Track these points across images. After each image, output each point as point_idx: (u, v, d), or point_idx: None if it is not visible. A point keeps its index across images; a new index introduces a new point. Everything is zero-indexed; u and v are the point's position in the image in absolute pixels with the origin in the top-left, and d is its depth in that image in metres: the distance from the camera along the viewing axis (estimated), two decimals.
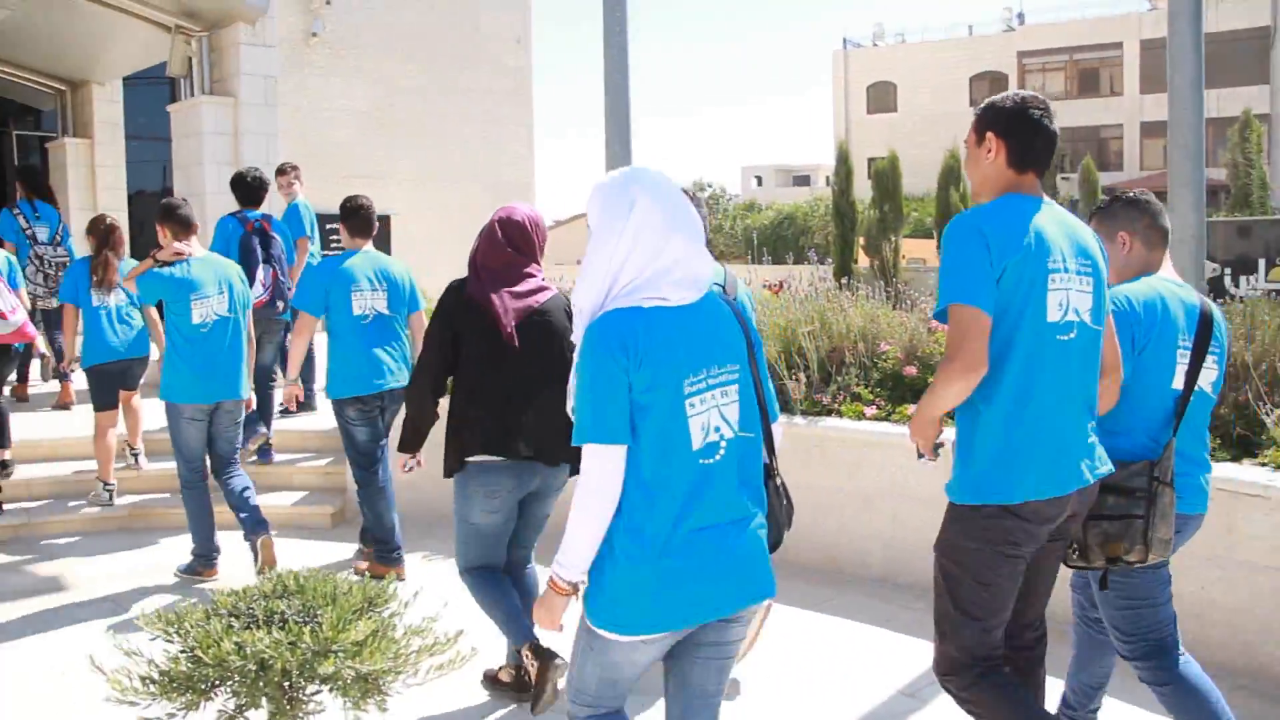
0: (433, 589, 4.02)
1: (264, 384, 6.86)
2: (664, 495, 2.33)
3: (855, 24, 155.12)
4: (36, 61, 12.68)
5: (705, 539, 2.36)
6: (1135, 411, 3.12)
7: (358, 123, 16.98)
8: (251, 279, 6.79)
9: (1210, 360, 3.22)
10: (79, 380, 7.70)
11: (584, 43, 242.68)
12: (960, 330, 2.68)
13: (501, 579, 3.93)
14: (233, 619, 2.71)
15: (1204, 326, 3.20)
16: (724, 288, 3.76)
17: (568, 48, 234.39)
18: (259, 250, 7.04)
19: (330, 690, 2.64)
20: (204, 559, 5.59)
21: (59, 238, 8.96)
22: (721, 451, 2.39)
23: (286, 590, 2.80)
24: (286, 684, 2.61)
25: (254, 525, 5.46)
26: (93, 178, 13.06)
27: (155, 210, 5.72)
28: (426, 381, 3.91)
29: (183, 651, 2.66)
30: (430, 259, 17.55)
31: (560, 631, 2.52)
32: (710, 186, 42.32)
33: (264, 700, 2.63)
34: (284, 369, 6.55)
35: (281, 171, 8.37)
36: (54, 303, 8.42)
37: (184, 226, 5.57)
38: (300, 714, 2.67)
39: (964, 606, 2.86)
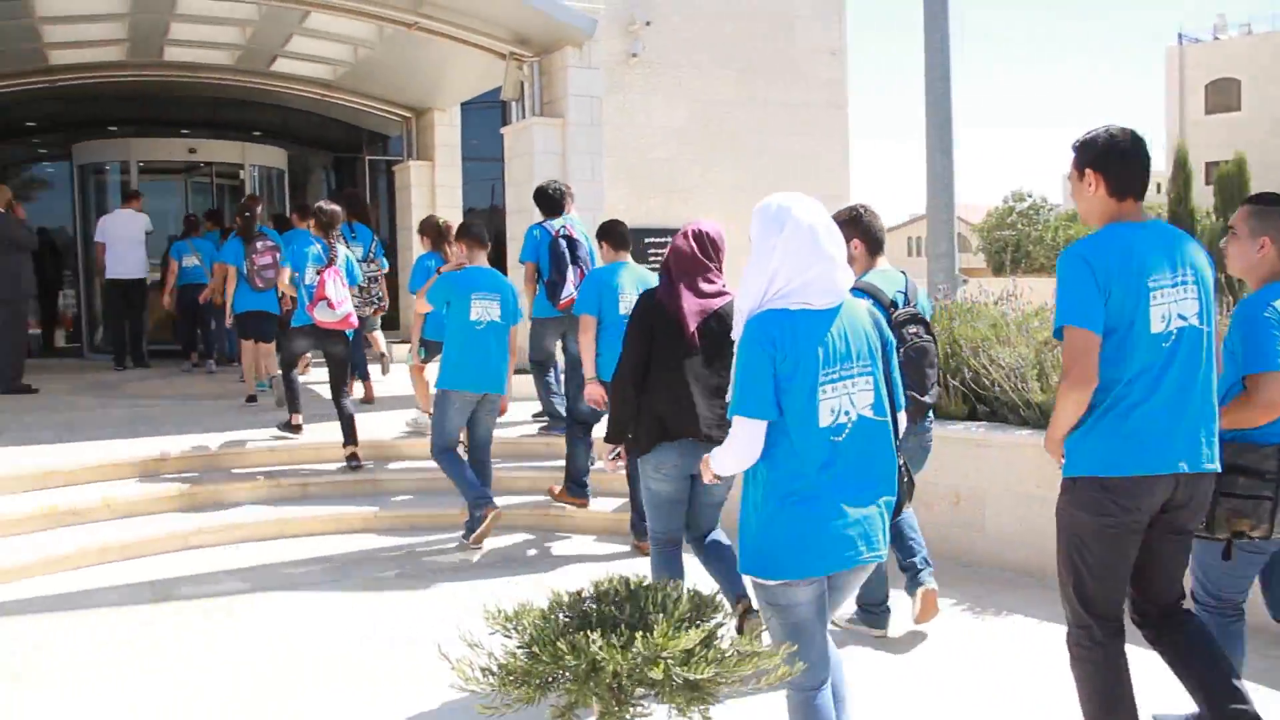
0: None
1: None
2: (805, 461, 2.85)
3: (1192, 17, 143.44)
4: (386, 92, 13.80)
5: (835, 500, 2.86)
6: None
7: (676, 139, 17.29)
8: (563, 280, 7.49)
9: None
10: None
11: (901, 54, 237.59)
12: (1073, 350, 3.10)
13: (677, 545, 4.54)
14: (567, 619, 2.82)
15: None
16: (905, 294, 4.55)
17: (884, 58, 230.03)
18: (567, 253, 7.57)
19: (657, 695, 2.70)
20: (481, 504, 6.38)
21: (372, 254, 9.82)
22: (848, 431, 2.88)
23: (618, 596, 2.89)
24: (616, 686, 2.68)
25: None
26: (433, 197, 14.07)
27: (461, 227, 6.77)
28: (628, 376, 4.41)
29: (520, 647, 2.79)
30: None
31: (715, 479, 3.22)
32: (1030, 197, 40.33)
33: (594, 700, 2.71)
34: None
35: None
36: (367, 311, 9.40)
37: (479, 242, 6.59)
38: (628, 716, 2.73)
39: (1069, 568, 3.26)
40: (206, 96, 14.89)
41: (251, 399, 9.81)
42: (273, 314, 9.89)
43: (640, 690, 2.72)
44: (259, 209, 10.43)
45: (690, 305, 4.34)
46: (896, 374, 3.14)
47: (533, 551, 6.56)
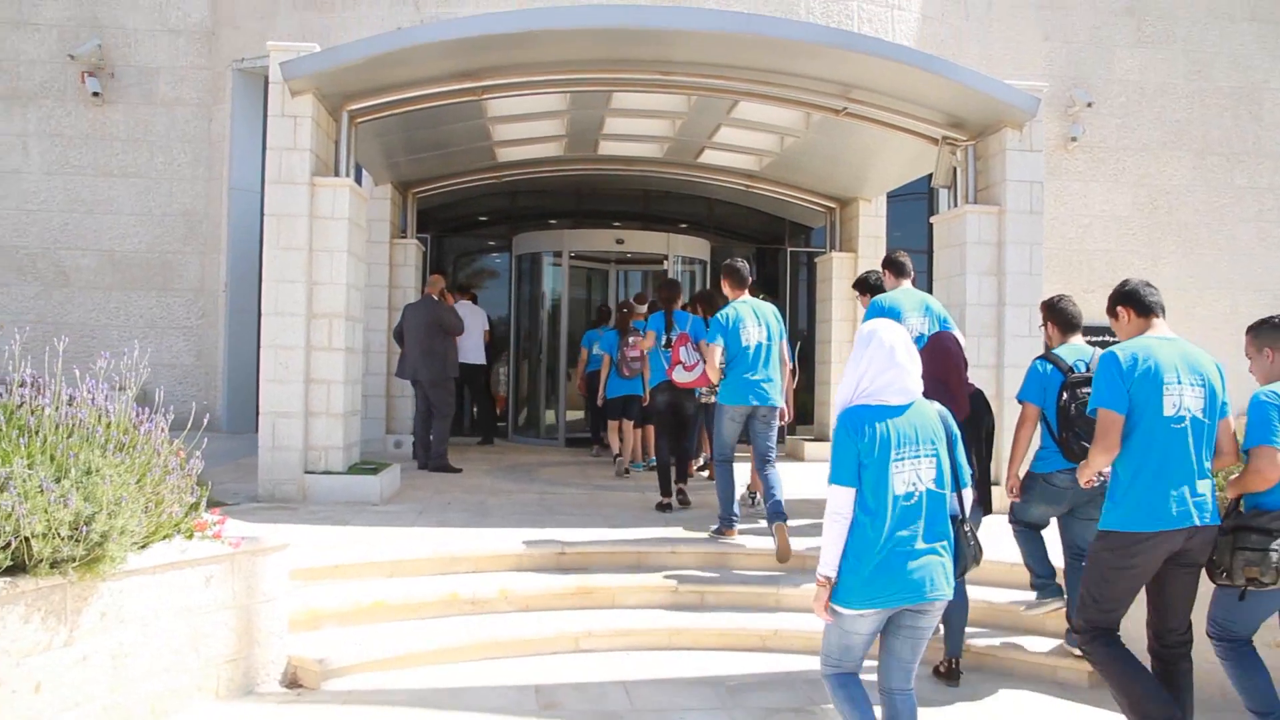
0: None
1: None
2: (878, 520, 3.72)
3: None
4: (811, 182, 13.52)
5: (903, 552, 3.73)
6: None
7: (1117, 228, 15.83)
8: None
9: None
10: None
11: None
12: (1102, 425, 4.41)
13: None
14: None
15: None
16: (1085, 363, 5.61)
17: None
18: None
19: None
20: (727, 522, 7.50)
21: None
22: (916, 498, 3.76)
23: None
24: None
25: (774, 514, 7.11)
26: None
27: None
28: None
29: None
30: None
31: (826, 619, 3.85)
32: None
33: None
34: None
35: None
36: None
37: (740, 283, 7.80)
38: None
39: (1091, 592, 4.52)
40: (636, 189, 15.38)
41: (625, 472, 11.06)
42: (638, 396, 10.87)
43: None
44: (636, 307, 11.53)
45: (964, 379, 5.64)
46: (961, 458, 4.14)
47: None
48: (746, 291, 7.83)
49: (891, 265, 7.79)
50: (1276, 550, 4.28)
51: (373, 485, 8.85)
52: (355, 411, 9.68)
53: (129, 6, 14.32)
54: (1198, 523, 4.30)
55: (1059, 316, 5.98)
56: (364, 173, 11.96)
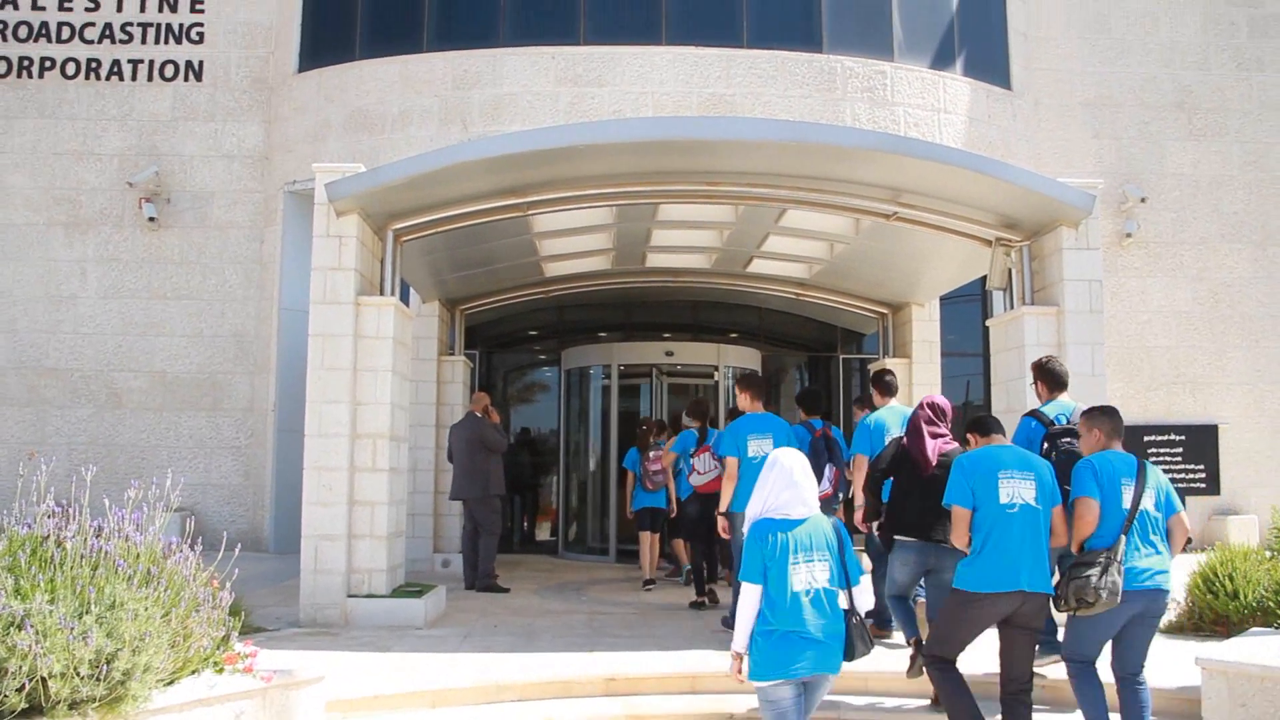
0: None
1: None
2: (779, 610, 4.56)
3: None
4: (862, 289, 13.34)
5: (800, 635, 4.55)
6: (1103, 522, 5.52)
7: (1178, 324, 15.44)
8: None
9: (1149, 493, 5.60)
10: None
11: None
12: (955, 516, 5.69)
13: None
14: None
15: (1141, 470, 5.62)
16: (1066, 417, 6.73)
17: None
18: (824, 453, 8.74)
19: None
20: None
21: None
22: (811, 593, 4.58)
23: None
24: None
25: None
26: (910, 396, 13.26)
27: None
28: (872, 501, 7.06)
29: None
30: (1261, 471, 15.14)
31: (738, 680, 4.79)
32: None
33: None
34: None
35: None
36: None
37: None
38: None
39: (939, 631, 5.82)
40: (684, 300, 15.29)
41: (649, 583, 11.12)
42: (662, 509, 11.29)
43: None
44: (654, 428, 11.91)
45: (929, 451, 6.58)
46: (851, 560, 4.78)
47: None
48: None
49: (878, 384, 8.49)
50: (1093, 575, 5.36)
51: (417, 609, 8.59)
52: (400, 533, 9.48)
53: (186, 134, 14.66)
54: (1026, 589, 5.45)
55: (1047, 375, 7.03)
56: (411, 290, 11.97)
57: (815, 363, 15.90)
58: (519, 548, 14.20)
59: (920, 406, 6.76)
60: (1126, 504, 5.51)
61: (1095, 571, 5.35)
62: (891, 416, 8.04)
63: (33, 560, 4.44)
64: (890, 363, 13.18)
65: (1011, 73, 14.86)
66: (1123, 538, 5.45)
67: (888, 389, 8.42)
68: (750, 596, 4.58)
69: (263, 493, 14.12)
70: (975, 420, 6.19)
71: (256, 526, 14.01)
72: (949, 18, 14.22)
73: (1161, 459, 14.81)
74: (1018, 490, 5.51)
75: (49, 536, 4.67)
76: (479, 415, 10.96)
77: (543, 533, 15.66)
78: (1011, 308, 9.73)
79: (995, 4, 14.86)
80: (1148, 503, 5.56)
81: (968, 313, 15.02)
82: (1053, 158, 15.02)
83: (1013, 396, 9.30)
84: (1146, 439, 14.83)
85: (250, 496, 14.28)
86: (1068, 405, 6.58)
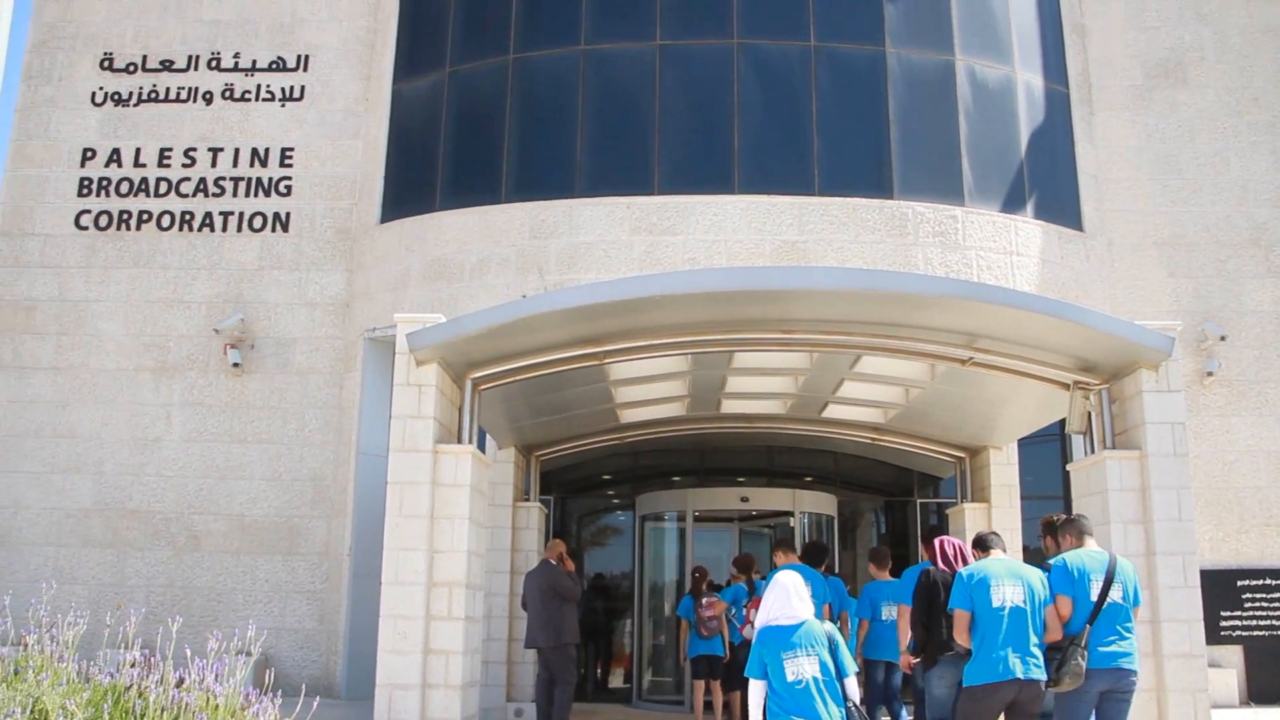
0: None
1: None
2: (782, 697, 5.63)
3: None
4: (938, 433, 13.22)
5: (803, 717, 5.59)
6: (1075, 613, 6.58)
7: (1268, 464, 14.99)
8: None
9: (1117, 587, 6.67)
10: None
11: None
12: (957, 618, 6.72)
13: None
14: None
15: (1111, 566, 6.70)
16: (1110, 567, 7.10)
17: None
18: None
19: None
20: None
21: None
22: (804, 684, 5.62)
23: None
24: None
25: None
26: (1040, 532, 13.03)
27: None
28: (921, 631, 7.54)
29: None
30: None
31: None
32: None
33: None
34: None
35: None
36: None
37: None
38: None
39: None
40: (759, 445, 15.25)
41: None
42: (719, 656, 11.44)
43: None
44: (705, 574, 12.19)
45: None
46: (841, 656, 5.81)
47: None
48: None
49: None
50: (1056, 660, 6.48)
51: None
52: (474, 683, 9.38)
53: (271, 283, 15.15)
54: (1020, 678, 6.41)
55: (1053, 531, 7.73)
56: (487, 437, 12.09)
57: (891, 507, 15.68)
58: (592, 695, 13.95)
59: (943, 544, 7.75)
60: (1094, 597, 6.63)
61: (1060, 656, 6.50)
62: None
63: (115, 711, 4.47)
64: (969, 507, 12.97)
65: (1083, 214, 14.89)
66: (1088, 626, 6.57)
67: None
68: (755, 690, 5.79)
69: (336, 638, 14.10)
70: (977, 539, 7.22)
71: (329, 672, 13.94)
72: (1018, 162, 14.36)
73: (1258, 603, 14.24)
74: (1008, 595, 6.56)
75: (131, 686, 4.71)
76: (554, 563, 10.93)
77: (616, 680, 15.40)
78: (1092, 452, 9.60)
79: (1063, 148, 14.99)
80: (1116, 595, 6.66)
81: (1047, 453, 14.77)
82: (1128, 298, 14.91)
83: (1100, 539, 9.05)
84: (1240, 584, 14.29)
85: (324, 642, 14.25)
86: (1096, 555, 6.95)
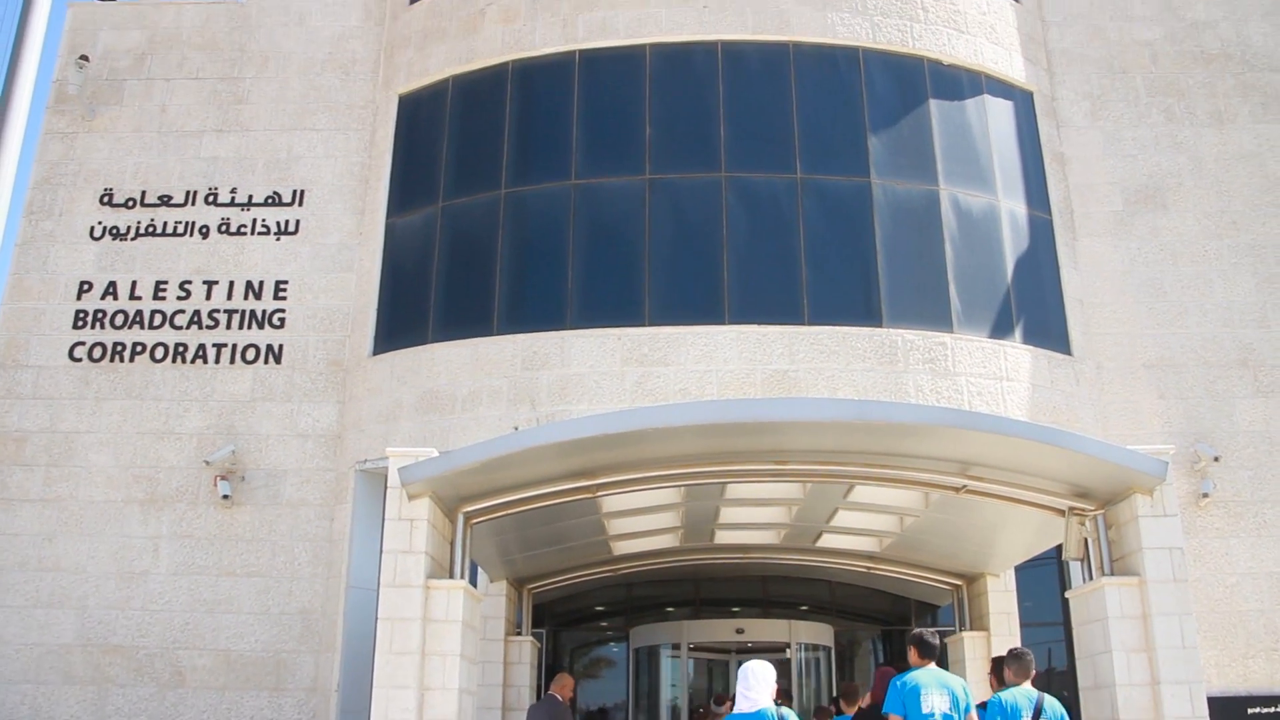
0: None
1: None
2: None
3: None
4: (934, 561, 13.11)
5: None
6: None
7: (1270, 585, 14.83)
8: None
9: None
10: None
11: None
12: None
13: None
14: None
15: (1039, 705, 7.40)
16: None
17: None
18: None
19: None
20: None
21: None
22: None
23: None
24: None
25: None
26: (988, 669, 12.80)
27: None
28: None
29: None
30: None
31: None
32: None
33: None
34: None
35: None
36: None
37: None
38: None
39: None
40: (754, 575, 15.11)
41: None
42: None
43: None
44: (714, 708, 12.22)
45: None
46: None
47: None
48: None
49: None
50: None
51: None
52: None
53: (263, 415, 15.15)
54: None
55: (1001, 666, 8.16)
56: (479, 570, 11.96)
57: (890, 636, 15.47)
58: None
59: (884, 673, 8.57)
60: None
61: None
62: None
63: None
64: (967, 636, 12.80)
65: (1071, 338, 15.03)
66: None
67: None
68: None
69: None
70: (920, 641, 7.84)
71: None
72: (1004, 288, 14.55)
73: None
74: (936, 704, 7.42)
75: None
76: (559, 699, 10.66)
77: None
78: (1091, 578, 9.51)
79: (1049, 273, 15.21)
80: None
81: (1045, 579, 14.64)
82: (1119, 420, 14.95)
83: (1100, 671, 8.95)
84: (1251, 711, 14.00)
85: None
86: (1028, 693, 7.62)
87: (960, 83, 15.23)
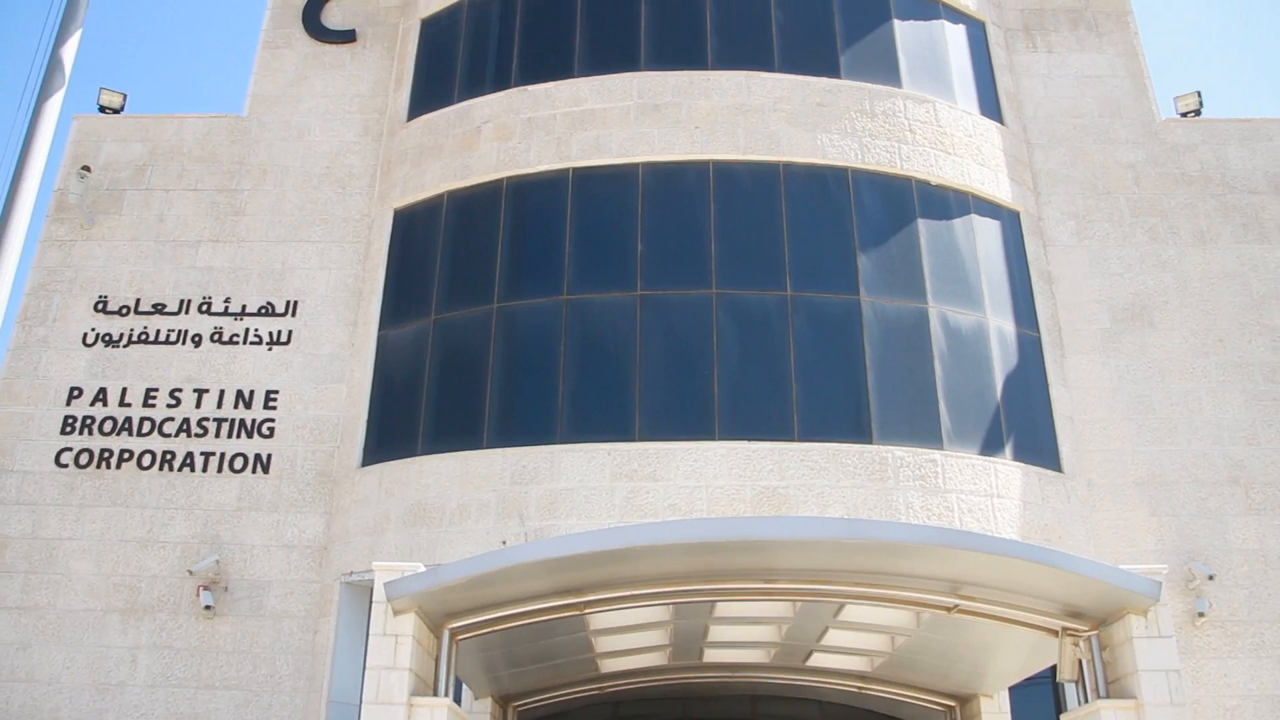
0: None
1: None
2: None
3: None
4: (926, 680, 12.94)
5: None
6: None
7: (1271, 709, 14.57)
8: None
9: None
10: None
11: None
12: None
13: None
14: None
15: None
16: None
17: None
18: None
19: None
20: None
21: None
22: None
23: None
24: None
25: None
26: None
27: None
28: None
29: None
30: None
31: None
32: None
33: None
34: None
35: None
36: None
37: None
38: None
39: None
40: (743, 694, 14.84)
41: None
42: None
43: None
44: None
45: None
46: None
47: None
48: None
49: None
50: None
51: None
52: None
53: (249, 524, 15.00)
54: None
55: None
56: (463, 686, 11.74)
57: None
58: None
59: None
60: None
61: None
62: None
63: None
64: None
65: (1061, 455, 15.03)
66: None
67: None
68: None
69: None
70: None
71: None
72: (994, 405, 14.60)
73: None
74: None
75: None
76: None
77: None
78: (1086, 700, 9.40)
79: (1038, 390, 15.28)
80: None
81: (1040, 699, 14.35)
82: (1111, 538, 14.86)
83: None
84: None
85: None
86: None
87: (948, 202, 15.51)
